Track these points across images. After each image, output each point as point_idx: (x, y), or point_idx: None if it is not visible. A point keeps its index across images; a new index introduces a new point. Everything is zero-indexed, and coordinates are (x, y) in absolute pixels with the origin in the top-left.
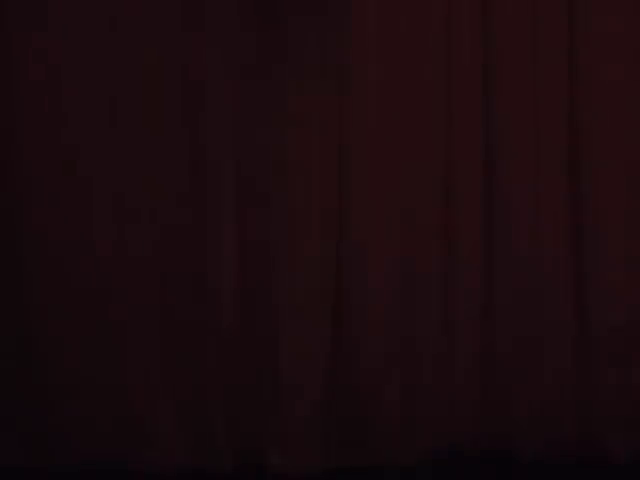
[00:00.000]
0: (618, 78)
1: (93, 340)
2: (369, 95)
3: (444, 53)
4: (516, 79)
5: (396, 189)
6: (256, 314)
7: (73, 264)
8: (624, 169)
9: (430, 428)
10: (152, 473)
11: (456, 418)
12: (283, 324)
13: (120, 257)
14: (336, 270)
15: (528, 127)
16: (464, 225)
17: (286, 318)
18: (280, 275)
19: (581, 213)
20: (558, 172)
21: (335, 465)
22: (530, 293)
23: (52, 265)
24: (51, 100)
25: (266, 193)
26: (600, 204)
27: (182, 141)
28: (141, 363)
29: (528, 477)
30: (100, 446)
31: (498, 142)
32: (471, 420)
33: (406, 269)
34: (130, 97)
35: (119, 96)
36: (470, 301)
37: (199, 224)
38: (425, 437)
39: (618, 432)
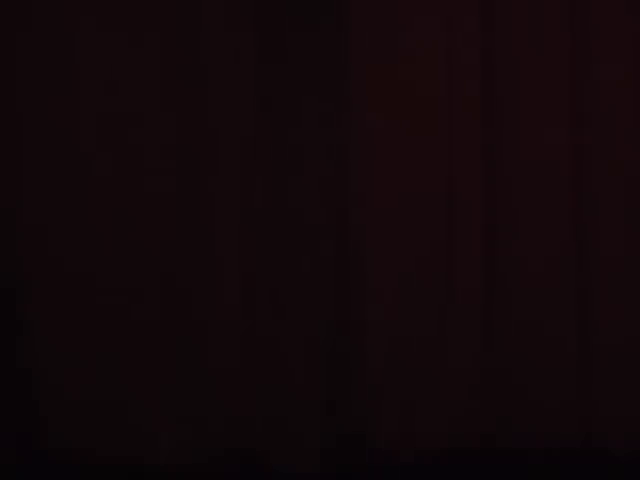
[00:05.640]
0: (622, 78)
1: (93, 340)
2: (370, 107)
3: (445, 63)
4: (518, 89)
5: (399, 197)
6: (257, 315)
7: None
8: (630, 171)
9: (430, 428)
10: (152, 473)
11: (456, 418)
12: (284, 324)
13: (120, 259)
14: (335, 271)
15: (530, 138)
16: (465, 234)
17: (287, 319)
18: (283, 278)
19: (585, 222)
20: (560, 184)
21: (335, 465)
22: (531, 297)
23: (52, 264)
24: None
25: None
26: (606, 209)
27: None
28: (141, 363)
29: (528, 477)
30: (100, 446)
31: (500, 151)
32: (471, 420)
33: (406, 277)
34: (128, 100)
35: (116, 99)
36: (470, 304)
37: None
38: (425, 437)
39: (619, 431)
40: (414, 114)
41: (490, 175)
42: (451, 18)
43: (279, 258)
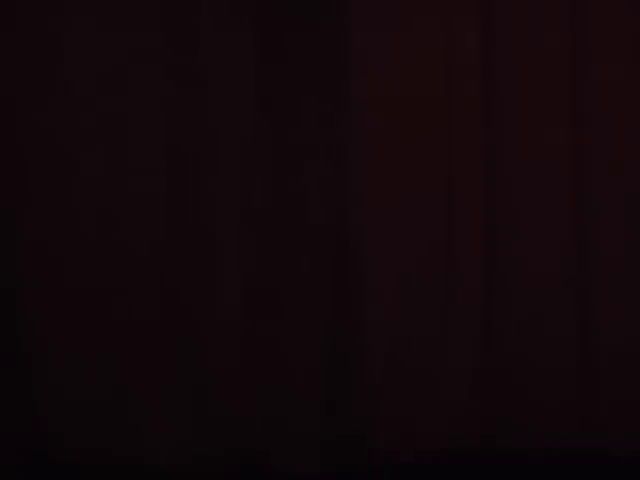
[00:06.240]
0: (622, 78)
1: (93, 340)
2: (370, 107)
3: (445, 63)
4: (518, 89)
5: (399, 197)
6: (257, 315)
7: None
8: (630, 171)
9: (430, 428)
10: (152, 473)
11: (456, 418)
12: (284, 324)
13: (120, 259)
14: (335, 271)
15: (530, 138)
16: (465, 234)
17: (287, 319)
18: (283, 278)
19: (585, 222)
20: (560, 184)
21: (335, 465)
22: (531, 297)
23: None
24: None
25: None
26: (606, 209)
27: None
28: (141, 363)
29: (528, 477)
30: (100, 446)
31: (500, 151)
32: (471, 420)
33: (406, 277)
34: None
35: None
36: (470, 304)
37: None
38: (425, 437)
39: (619, 431)
40: (414, 114)
41: (490, 175)
42: (451, 18)
43: (279, 258)
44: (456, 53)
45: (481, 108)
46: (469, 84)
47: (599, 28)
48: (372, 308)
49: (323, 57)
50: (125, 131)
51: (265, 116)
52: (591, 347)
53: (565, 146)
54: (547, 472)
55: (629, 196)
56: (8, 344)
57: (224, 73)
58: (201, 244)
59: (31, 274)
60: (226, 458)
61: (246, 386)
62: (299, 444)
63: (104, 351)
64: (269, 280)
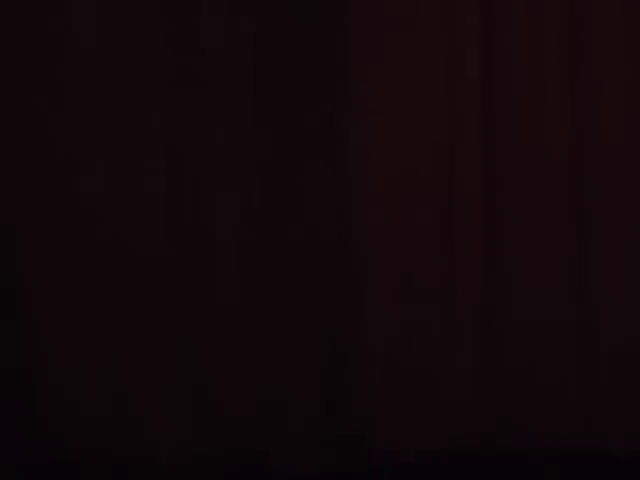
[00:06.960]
0: (622, 75)
1: (93, 340)
2: (370, 107)
3: (445, 63)
4: (518, 89)
5: (399, 197)
6: (257, 315)
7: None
8: (630, 171)
9: (430, 428)
10: (152, 473)
11: (456, 418)
12: (284, 324)
13: (120, 259)
14: (336, 271)
15: (530, 138)
16: (465, 234)
17: (287, 319)
18: (283, 278)
19: (586, 222)
20: (561, 184)
21: (335, 465)
22: (531, 297)
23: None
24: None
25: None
26: (607, 210)
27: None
28: (141, 363)
29: (528, 477)
30: (100, 446)
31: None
32: (471, 420)
33: (406, 277)
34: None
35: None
36: (470, 304)
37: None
38: (425, 437)
39: (619, 431)
40: (414, 114)
41: (490, 175)
42: (451, 18)
43: (279, 258)
44: (456, 53)
45: (481, 107)
46: (469, 84)
47: (599, 22)
48: (372, 308)
49: (323, 57)
50: (125, 131)
51: (265, 116)
52: (591, 347)
53: (566, 146)
54: (547, 472)
55: (630, 195)
56: (8, 344)
57: (224, 73)
58: (201, 244)
59: (31, 274)
60: (226, 458)
61: (246, 386)
62: (299, 444)
63: (104, 351)
64: (269, 280)
